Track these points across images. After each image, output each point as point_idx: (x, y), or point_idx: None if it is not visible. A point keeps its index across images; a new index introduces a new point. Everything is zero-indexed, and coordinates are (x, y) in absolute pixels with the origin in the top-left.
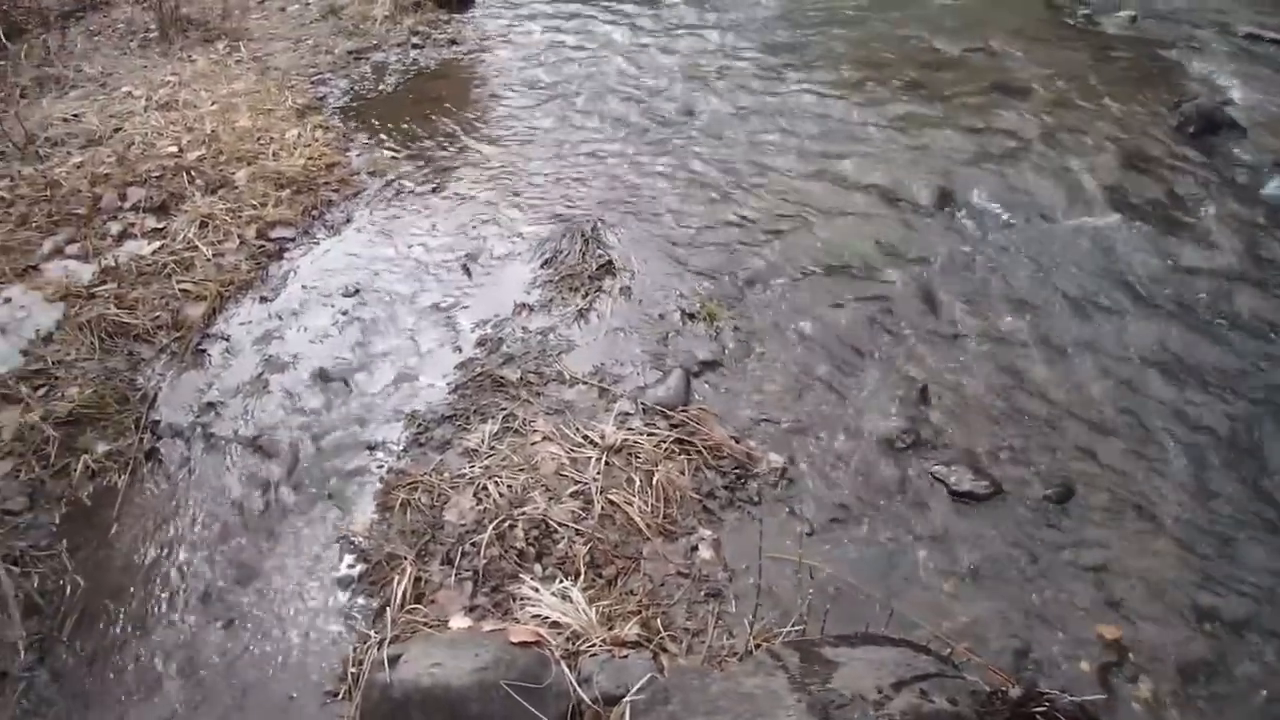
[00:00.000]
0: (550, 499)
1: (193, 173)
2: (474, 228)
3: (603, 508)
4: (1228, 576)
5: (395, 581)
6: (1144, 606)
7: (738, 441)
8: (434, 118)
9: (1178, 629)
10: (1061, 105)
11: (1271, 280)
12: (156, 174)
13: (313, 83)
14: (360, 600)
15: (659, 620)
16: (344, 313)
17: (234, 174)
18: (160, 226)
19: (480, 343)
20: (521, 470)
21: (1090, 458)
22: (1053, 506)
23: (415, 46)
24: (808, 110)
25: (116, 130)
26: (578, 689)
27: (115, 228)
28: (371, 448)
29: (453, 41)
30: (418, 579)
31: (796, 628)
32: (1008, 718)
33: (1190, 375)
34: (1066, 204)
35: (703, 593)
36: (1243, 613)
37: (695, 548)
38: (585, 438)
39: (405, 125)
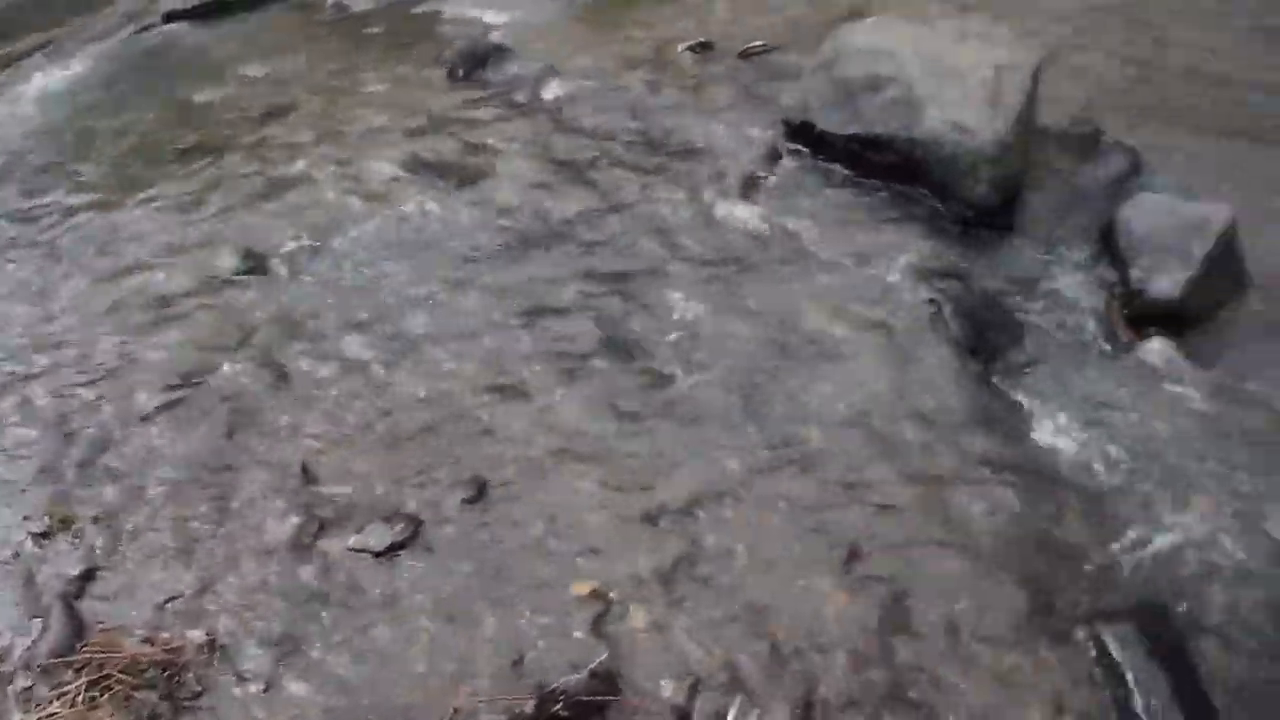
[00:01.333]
0: None
1: None
2: None
3: None
4: (613, 465)
5: None
6: (599, 543)
7: (152, 643)
8: None
9: (635, 550)
10: (333, 105)
11: (585, 185)
12: None
13: None
14: None
15: None
16: None
17: None
18: None
19: None
20: None
21: (485, 442)
22: (476, 506)
23: None
24: (82, 236)
25: None
26: None
27: None
28: None
29: None
30: None
31: None
32: None
33: (545, 306)
34: (366, 206)
35: None
36: (677, 496)
37: None
38: None
39: None
